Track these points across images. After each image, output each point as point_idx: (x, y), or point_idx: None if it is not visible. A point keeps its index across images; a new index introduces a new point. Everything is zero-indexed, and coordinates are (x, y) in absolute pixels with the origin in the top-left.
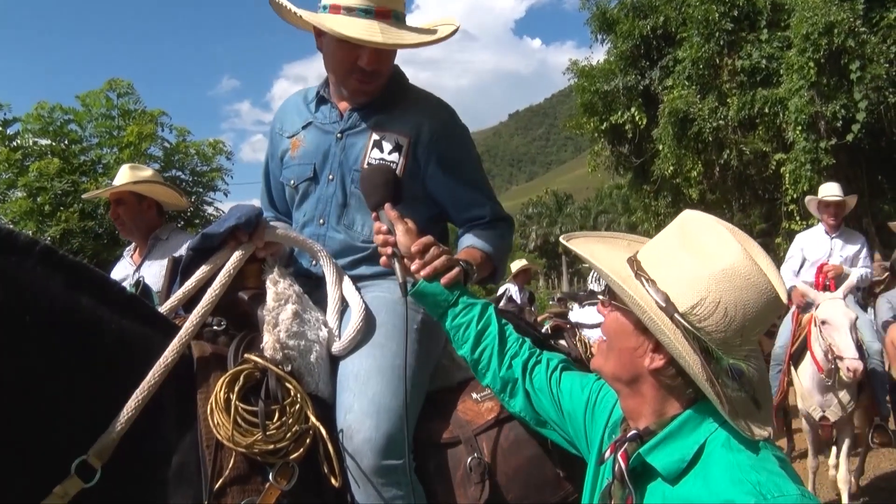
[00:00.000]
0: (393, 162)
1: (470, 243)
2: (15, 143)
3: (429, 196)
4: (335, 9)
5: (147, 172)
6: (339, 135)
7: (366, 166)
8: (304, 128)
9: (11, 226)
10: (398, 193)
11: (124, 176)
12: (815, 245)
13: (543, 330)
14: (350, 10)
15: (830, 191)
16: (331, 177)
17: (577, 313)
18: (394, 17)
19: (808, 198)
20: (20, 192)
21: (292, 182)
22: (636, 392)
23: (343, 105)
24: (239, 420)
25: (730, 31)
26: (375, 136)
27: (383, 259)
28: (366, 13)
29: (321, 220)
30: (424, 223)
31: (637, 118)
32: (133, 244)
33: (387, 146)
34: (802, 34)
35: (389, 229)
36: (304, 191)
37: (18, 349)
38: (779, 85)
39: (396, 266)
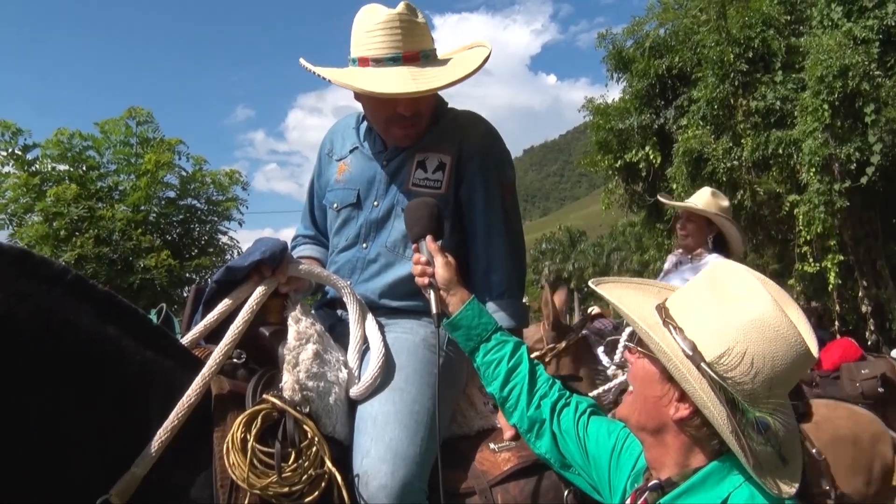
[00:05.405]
0: (437, 181)
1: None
2: (34, 168)
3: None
4: (363, 62)
5: None
6: (384, 162)
7: (411, 187)
8: (351, 152)
9: None
10: (440, 228)
11: None
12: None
13: None
14: (378, 62)
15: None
16: (375, 203)
17: None
18: (423, 57)
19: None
20: (37, 217)
21: (335, 205)
22: (660, 442)
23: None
24: (255, 461)
25: (745, 72)
26: (419, 157)
27: (419, 279)
28: (394, 61)
29: (364, 244)
30: (454, 246)
31: (651, 157)
32: None
33: (430, 165)
34: (817, 76)
35: (429, 261)
36: (346, 216)
37: (42, 379)
38: (793, 126)
39: (432, 297)
